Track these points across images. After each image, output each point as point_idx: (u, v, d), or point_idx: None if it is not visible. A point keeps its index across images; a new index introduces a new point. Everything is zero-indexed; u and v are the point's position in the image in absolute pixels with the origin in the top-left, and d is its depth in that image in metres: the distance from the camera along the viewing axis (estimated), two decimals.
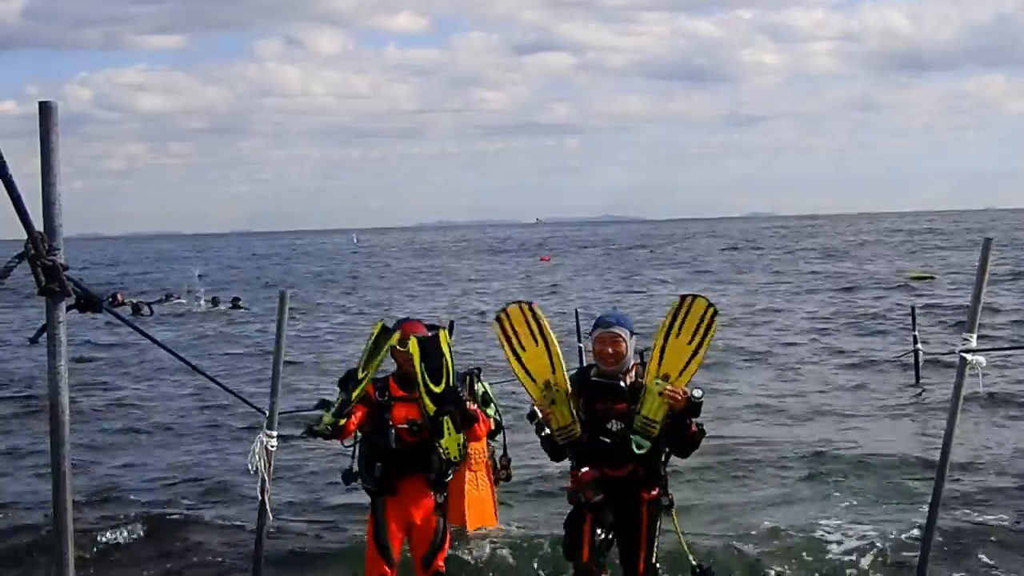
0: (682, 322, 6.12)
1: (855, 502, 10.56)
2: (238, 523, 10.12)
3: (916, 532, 8.73)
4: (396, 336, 6.73)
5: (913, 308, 19.02)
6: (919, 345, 17.68)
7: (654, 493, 6.21)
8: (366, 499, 7.03)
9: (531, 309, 6.39)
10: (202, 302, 37.65)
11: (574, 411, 6.18)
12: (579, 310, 17.82)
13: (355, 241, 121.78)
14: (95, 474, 12.69)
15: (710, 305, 6.15)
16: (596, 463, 6.16)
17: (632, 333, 6.24)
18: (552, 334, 6.31)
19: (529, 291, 42.05)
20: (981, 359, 6.56)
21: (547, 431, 6.18)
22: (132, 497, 11.48)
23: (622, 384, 6.17)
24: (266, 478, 6.94)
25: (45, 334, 3.40)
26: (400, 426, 6.68)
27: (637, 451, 6.01)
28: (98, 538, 9.77)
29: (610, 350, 6.17)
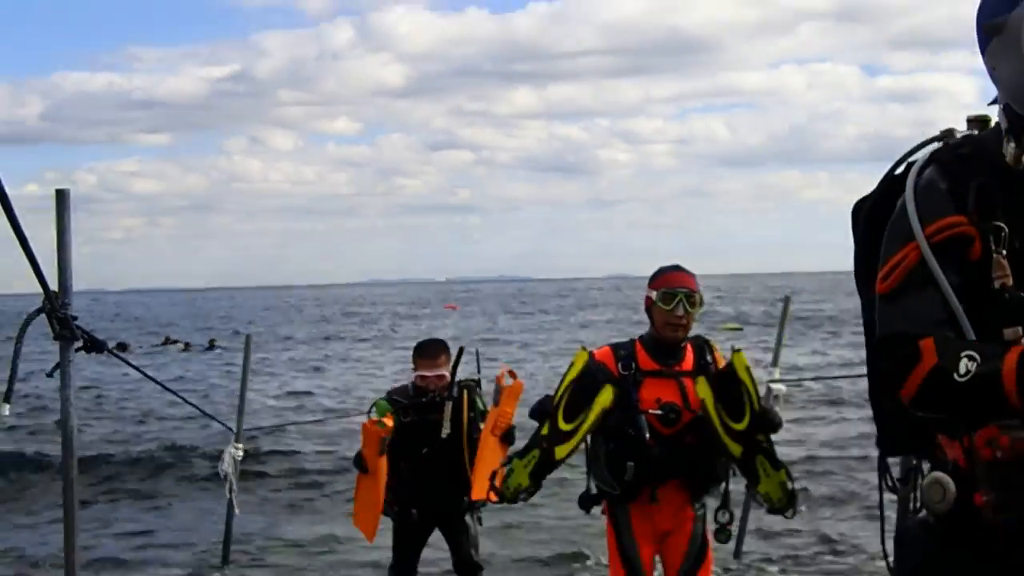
0: None
1: None
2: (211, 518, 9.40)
3: None
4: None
5: (732, 347, 19.33)
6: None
7: None
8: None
9: None
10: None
11: None
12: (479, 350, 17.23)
13: None
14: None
15: None
16: None
17: None
18: None
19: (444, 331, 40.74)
20: (782, 387, 6.63)
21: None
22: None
23: None
24: (233, 481, 6.83)
25: (59, 370, 3.33)
26: (652, 411, 3.88)
27: None
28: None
29: None
